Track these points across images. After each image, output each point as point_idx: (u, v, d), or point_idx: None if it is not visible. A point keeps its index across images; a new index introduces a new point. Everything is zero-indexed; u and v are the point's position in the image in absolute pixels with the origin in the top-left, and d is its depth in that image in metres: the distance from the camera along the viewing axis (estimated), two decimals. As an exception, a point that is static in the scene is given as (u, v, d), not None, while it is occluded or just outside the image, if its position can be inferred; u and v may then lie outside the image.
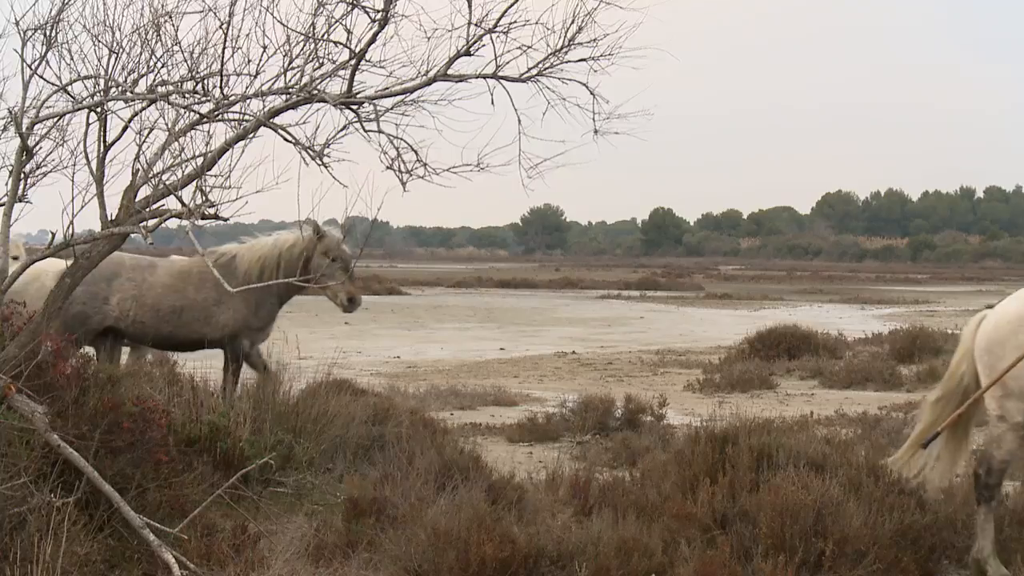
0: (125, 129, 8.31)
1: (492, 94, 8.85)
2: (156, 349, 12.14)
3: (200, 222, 7.88)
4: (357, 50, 8.51)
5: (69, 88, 8.26)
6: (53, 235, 7.89)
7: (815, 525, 7.33)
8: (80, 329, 10.54)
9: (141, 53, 8.35)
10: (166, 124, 8.29)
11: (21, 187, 8.02)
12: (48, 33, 8.18)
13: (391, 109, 8.78)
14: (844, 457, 8.54)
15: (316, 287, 10.68)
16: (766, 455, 8.40)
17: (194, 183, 8.14)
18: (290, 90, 8.45)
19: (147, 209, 8.13)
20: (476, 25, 8.63)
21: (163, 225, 8.24)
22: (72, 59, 8.37)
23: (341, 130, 8.71)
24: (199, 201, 7.97)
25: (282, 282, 10.20)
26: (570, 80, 8.93)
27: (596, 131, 9.17)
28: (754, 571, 7.04)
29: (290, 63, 8.47)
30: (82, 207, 7.94)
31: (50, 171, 8.34)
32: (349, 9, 8.48)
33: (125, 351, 12.19)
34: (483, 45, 8.72)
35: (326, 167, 8.51)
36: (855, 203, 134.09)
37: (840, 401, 16.23)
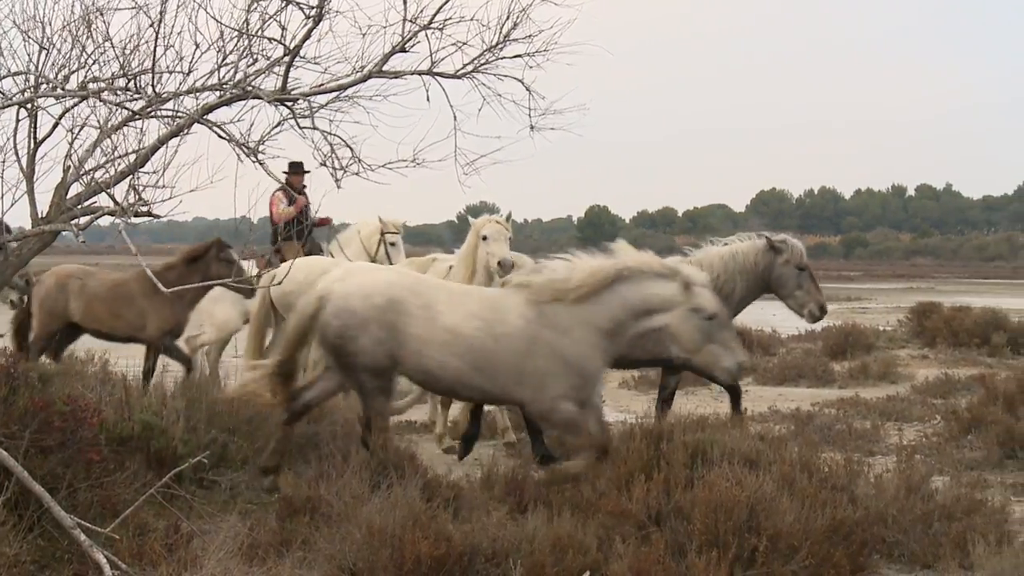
0: (56, 126, 8.24)
1: (427, 90, 8.85)
2: None
3: (134, 220, 7.81)
4: (291, 47, 8.48)
5: (-1, 84, 8.16)
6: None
7: (749, 521, 7.37)
8: None
9: (72, 49, 8.28)
10: (98, 121, 8.22)
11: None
12: (-25, 29, 8.08)
13: (326, 106, 8.77)
14: (778, 454, 8.60)
15: None
16: (701, 452, 8.44)
17: (127, 180, 8.07)
18: (224, 87, 8.40)
19: (79, 207, 8.06)
20: (411, 22, 8.63)
21: (96, 223, 8.16)
22: (2, 55, 8.28)
23: (276, 127, 8.69)
24: (132, 199, 7.90)
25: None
26: (506, 76, 8.96)
27: (532, 127, 9.20)
28: (688, 567, 7.06)
29: (224, 59, 8.43)
30: (12, 204, 7.86)
31: (-22, 168, 8.23)
32: (283, 5, 8.45)
33: None
34: (418, 42, 8.73)
35: (261, 164, 8.47)
36: (789, 201, 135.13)
37: (774, 398, 16.33)
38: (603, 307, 8.81)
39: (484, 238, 12.00)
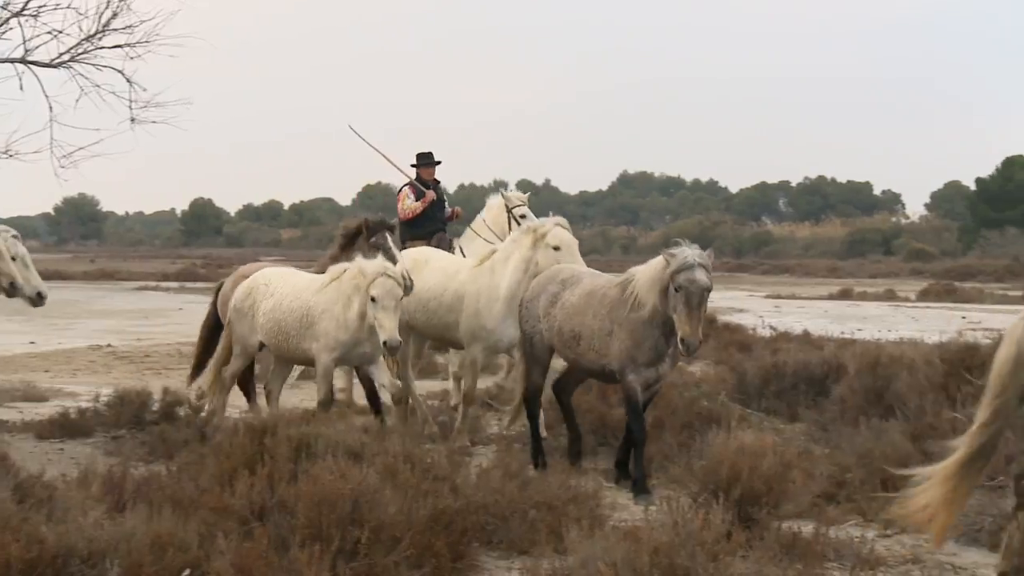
0: None
1: (21, 79, 8.48)
2: None
3: None
4: None
5: None
6: None
7: (352, 513, 7.40)
8: None
9: None
10: None
11: None
12: None
13: (-95, 93, 8.25)
14: (381, 446, 8.69)
15: None
16: (305, 446, 8.43)
17: None
18: None
19: None
20: (2, 8, 8.24)
21: None
22: None
23: None
24: None
25: None
26: (106, 67, 8.69)
27: (133, 119, 8.97)
28: (291, 561, 7.04)
29: None
30: None
31: None
32: None
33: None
34: (10, 28, 8.34)
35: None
36: (394, 195, 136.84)
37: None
38: None
39: (557, 248, 11.78)
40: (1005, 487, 9.64)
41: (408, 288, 11.24)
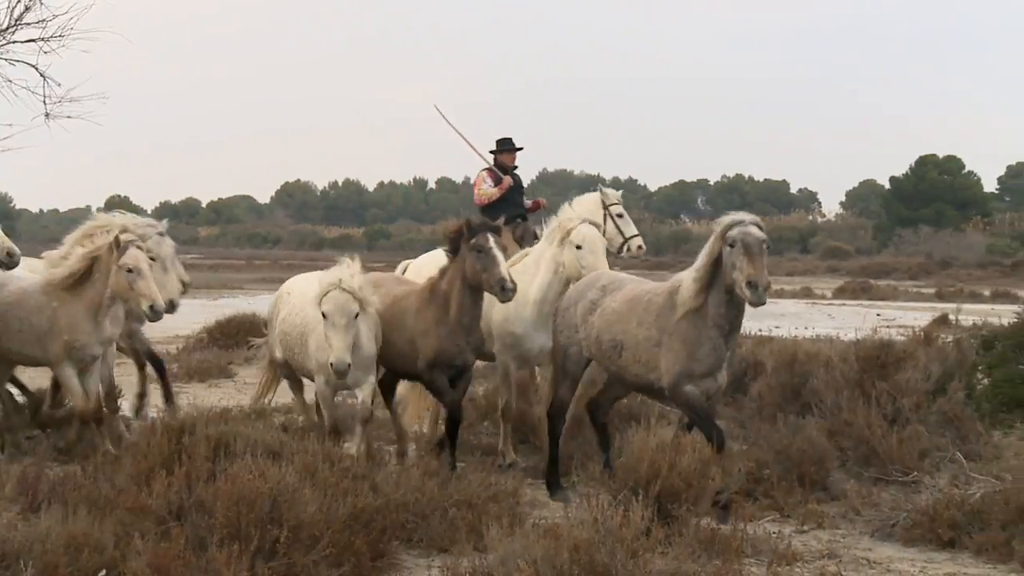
0: None
1: (-74, 74, 8.32)
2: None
3: None
4: None
5: None
6: None
7: (271, 512, 7.36)
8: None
9: None
10: None
11: None
12: None
13: None
14: (301, 444, 8.64)
15: None
16: (224, 444, 8.37)
17: None
18: None
19: None
20: (-89, 2, 8.09)
21: None
22: None
23: None
24: None
25: None
26: (18, 62, 8.56)
27: (47, 115, 8.84)
28: (208, 561, 6.99)
29: None
30: None
31: None
32: None
33: None
34: (-81, 23, 8.19)
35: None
36: (313, 193, 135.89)
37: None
38: None
39: (579, 247, 11.16)
40: (919, 482, 9.80)
41: (511, 291, 10.04)
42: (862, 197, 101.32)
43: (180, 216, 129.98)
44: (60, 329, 10.51)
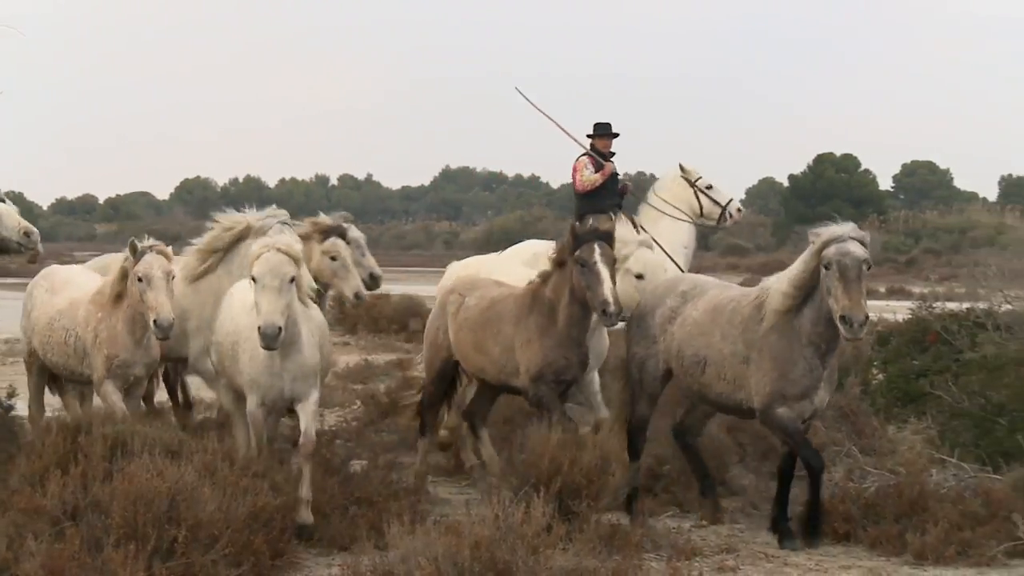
0: None
1: None
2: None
3: None
4: None
5: None
6: None
7: (169, 512, 7.29)
8: None
9: None
10: None
11: None
12: None
13: None
14: (200, 443, 8.54)
15: None
16: (121, 444, 8.25)
17: None
18: None
19: None
20: None
21: None
22: None
23: None
24: None
25: None
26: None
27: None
28: (104, 561, 6.90)
29: None
30: None
31: None
32: None
33: None
34: None
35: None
36: (214, 189, 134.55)
37: (198, 385, 16.16)
38: None
39: (639, 276, 10.17)
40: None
41: (614, 315, 9.00)
42: (761, 195, 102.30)
43: (77, 212, 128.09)
44: (101, 343, 9.66)
